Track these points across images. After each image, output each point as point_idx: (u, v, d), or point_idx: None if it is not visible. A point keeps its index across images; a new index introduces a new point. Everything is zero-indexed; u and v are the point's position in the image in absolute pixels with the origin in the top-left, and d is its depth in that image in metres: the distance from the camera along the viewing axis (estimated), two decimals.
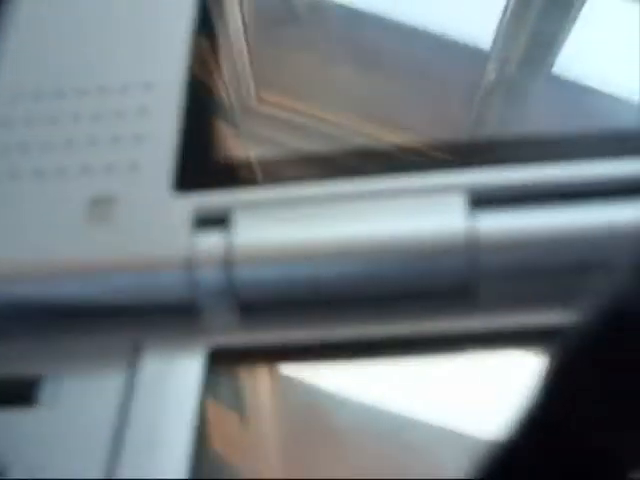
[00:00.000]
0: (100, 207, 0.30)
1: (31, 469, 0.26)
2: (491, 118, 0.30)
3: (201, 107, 0.31)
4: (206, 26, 0.34)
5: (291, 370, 0.29)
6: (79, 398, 0.28)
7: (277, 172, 0.29)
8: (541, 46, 0.34)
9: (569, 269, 0.27)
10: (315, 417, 0.28)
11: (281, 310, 0.28)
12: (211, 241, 0.28)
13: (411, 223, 0.28)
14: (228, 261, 0.28)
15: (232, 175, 0.30)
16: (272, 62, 0.34)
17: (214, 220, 0.29)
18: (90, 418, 0.27)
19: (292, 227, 0.28)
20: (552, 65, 0.33)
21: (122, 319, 0.29)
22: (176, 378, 0.28)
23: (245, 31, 0.35)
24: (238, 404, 0.28)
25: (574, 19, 0.34)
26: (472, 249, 0.27)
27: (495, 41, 0.34)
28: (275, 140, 0.30)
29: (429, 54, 0.34)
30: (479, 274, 0.27)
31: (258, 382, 0.29)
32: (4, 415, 0.28)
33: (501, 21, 0.34)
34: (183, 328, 0.29)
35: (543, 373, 0.16)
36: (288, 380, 0.29)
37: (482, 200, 0.28)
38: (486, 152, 0.29)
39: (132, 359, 0.28)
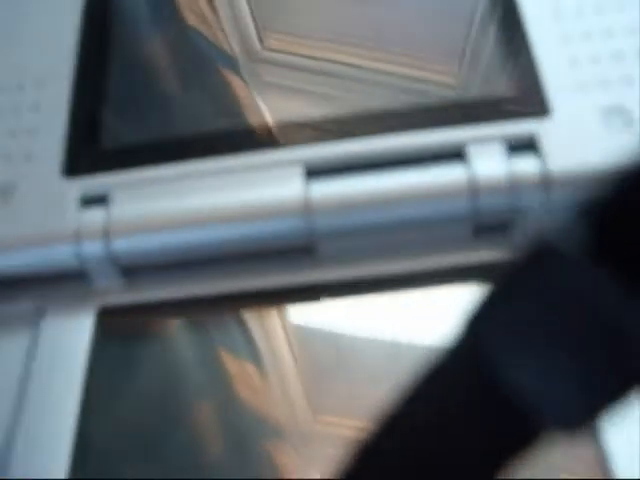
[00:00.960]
0: (1, 193, 0.34)
1: None
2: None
3: (86, 100, 0.36)
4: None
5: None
6: None
7: (148, 155, 0.34)
8: None
9: (389, 226, 0.32)
10: None
11: (157, 272, 0.33)
12: (94, 217, 0.33)
13: (259, 193, 0.33)
14: (107, 232, 0.33)
15: (112, 160, 0.34)
16: None
17: (96, 199, 0.34)
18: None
19: (161, 201, 0.33)
20: None
21: (24, 288, 0.34)
22: (71, 334, 0.33)
23: None
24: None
25: None
26: (308, 212, 0.32)
27: None
28: (144, 128, 0.35)
29: None
30: (316, 234, 0.32)
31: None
32: None
33: None
34: (76, 293, 0.34)
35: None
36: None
37: (315, 171, 0.33)
38: (318, 130, 0.33)
39: (35, 321, 0.34)
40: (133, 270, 0.34)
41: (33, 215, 0.34)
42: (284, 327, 0.32)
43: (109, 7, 0.38)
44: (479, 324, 0.16)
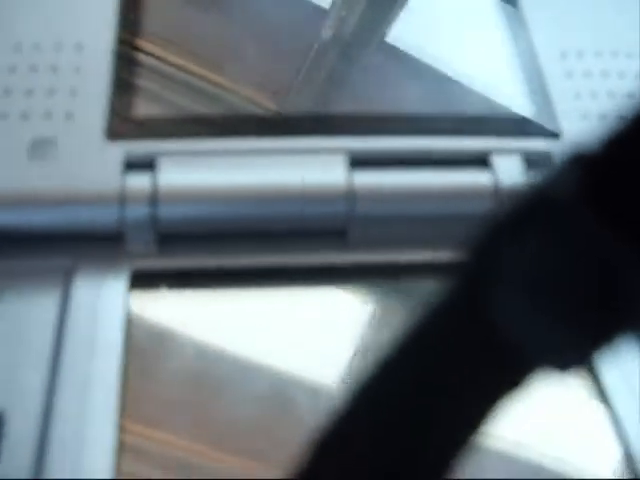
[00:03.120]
0: (40, 148, 0.33)
1: None
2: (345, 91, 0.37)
3: (129, 67, 0.36)
4: None
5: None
6: (18, 315, 0.32)
7: (195, 127, 0.35)
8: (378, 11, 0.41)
9: (424, 218, 0.34)
10: None
11: (195, 242, 0.34)
12: (139, 181, 0.33)
13: (303, 175, 0.34)
14: (154, 198, 0.33)
15: (156, 128, 0.35)
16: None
17: (142, 164, 0.34)
18: (30, 333, 0.31)
19: (208, 173, 0.34)
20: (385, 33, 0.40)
21: (58, 244, 0.33)
22: (104, 296, 0.33)
23: None
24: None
25: None
26: (348, 198, 0.34)
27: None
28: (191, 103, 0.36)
29: None
30: (352, 219, 0.34)
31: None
32: None
33: None
34: (111, 255, 0.34)
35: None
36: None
37: (358, 161, 0.34)
38: (363, 123, 0.35)
39: (66, 280, 0.33)
40: (170, 236, 0.34)
41: (74, 173, 0.33)
42: None
43: None
44: (471, 275, 0.16)
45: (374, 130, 0.35)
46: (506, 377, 0.16)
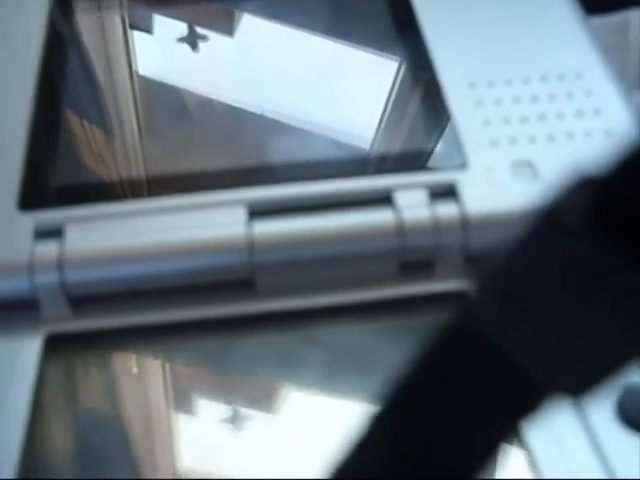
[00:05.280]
0: None
1: None
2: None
3: (43, 138, 0.37)
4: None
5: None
6: None
7: (102, 192, 0.35)
8: None
9: (324, 262, 0.34)
10: None
11: (104, 301, 0.34)
12: (48, 248, 0.34)
13: (204, 230, 0.34)
14: (60, 263, 0.33)
15: (66, 195, 0.35)
16: None
17: (51, 232, 0.34)
18: None
19: (113, 236, 0.34)
20: None
21: None
22: (18, 360, 0.33)
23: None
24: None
25: None
26: (250, 249, 0.33)
27: None
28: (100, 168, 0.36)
29: None
30: (256, 268, 0.34)
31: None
32: None
33: None
34: (25, 320, 0.34)
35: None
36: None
37: (258, 211, 0.34)
38: (261, 173, 0.35)
39: None
40: (82, 299, 0.34)
41: None
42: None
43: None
44: (479, 300, 0.16)
45: (272, 179, 0.34)
46: (519, 403, 0.15)
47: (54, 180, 0.35)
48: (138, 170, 0.35)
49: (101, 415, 0.33)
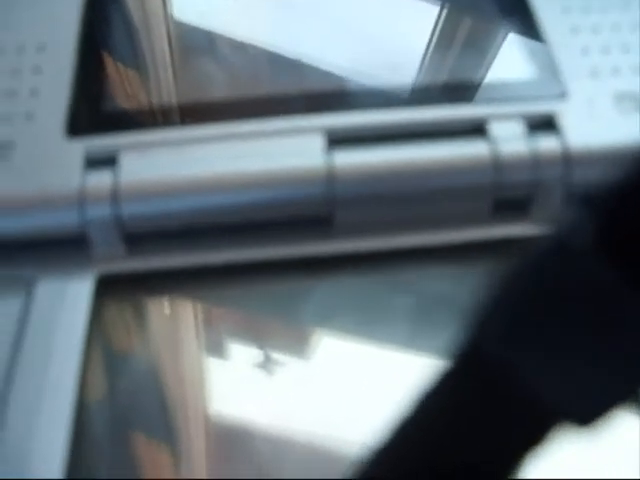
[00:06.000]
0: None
1: None
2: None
3: (90, 65, 0.33)
4: None
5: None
6: None
7: (158, 117, 0.31)
8: None
9: (410, 197, 0.30)
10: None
11: (164, 241, 0.30)
12: (100, 179, 0.30)
13: (279, 159, 0.30)
14: (115, 195, 0.29)
15: (118, 121, 0.31)
16: None
17: (103, 161, 0.30)
18: None
19: (172, 165, 0.30)
20: None
21: (20, 252, 0.30)
22: (68, 303, 0.29)
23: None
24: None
25: None
26: (329, 181, 0.30)
27: None
28: (155, 89, 0.32)
29: None
30: (336, 203, 0.30)
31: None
32: None
33: None
34: (75, 259, 0.30)
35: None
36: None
37: (338, 139, 0.30)
38: (341, 99, 0.31)
39: (28, 287, 0.30)
40: (137, 237, 0.30)
41: (33, 175, 0.30)
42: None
43: None
44: (486, 326, 0.15)
45: (354, 105, 0.30)
46: (530, 432, 0.15)
47: (105, 104, 0.31)
48: (201, 94, 0.32)
49: (149, 361, 0.29)
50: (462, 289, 0.30)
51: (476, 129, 0.30)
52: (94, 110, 0.31)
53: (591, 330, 0.14)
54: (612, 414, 0.14)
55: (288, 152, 0.29)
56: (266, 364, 0.28)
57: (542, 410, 0.15)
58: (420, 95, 0.31)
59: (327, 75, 0.32)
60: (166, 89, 0.32)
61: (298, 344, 0.29)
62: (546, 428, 0.15)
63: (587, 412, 0.14)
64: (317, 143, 0.29)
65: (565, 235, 0.14)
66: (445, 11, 0.35)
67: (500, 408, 0.15)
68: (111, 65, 0.33)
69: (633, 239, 0.14)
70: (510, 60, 0.33)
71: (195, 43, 0.34)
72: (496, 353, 0.15)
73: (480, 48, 0.33)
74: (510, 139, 0.30)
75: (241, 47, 0.33)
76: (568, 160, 0.30)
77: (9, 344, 0.28)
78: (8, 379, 0.27)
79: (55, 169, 0.30)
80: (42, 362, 0.27)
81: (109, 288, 0.29)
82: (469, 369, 0.15)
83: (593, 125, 0.30)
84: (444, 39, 0.33)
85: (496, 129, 0.30)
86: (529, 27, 0.33)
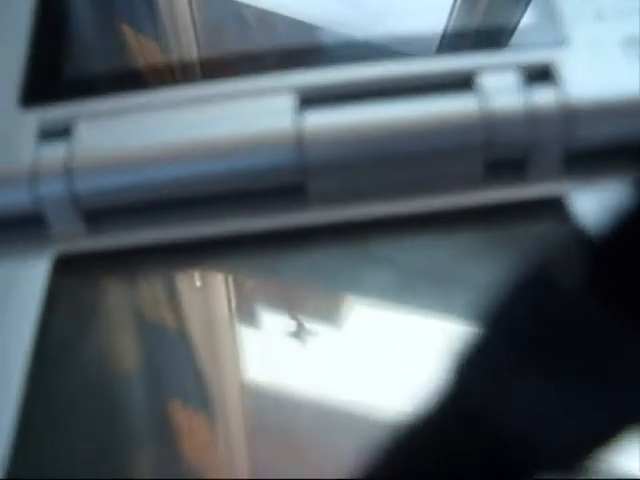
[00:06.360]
0: None
1: None
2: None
3: (45, 30, 0.30)
4: None
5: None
6: None
7: (117, 83, 0.29)
8: None
9: (390, 161, 0.27)
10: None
11: (122, 215, 0.28)
12: (53, 151, 0.27)
13: (245, 123, 0.27)
14: (69, 168, 0.27)
15: (73, 89, 0.29)
16: None
17: (58, 132, 0.27)
18: None
19: (131, 134, 0.27)
20: None
21: None
22: (23, 284, 0.27)
23: None
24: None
25: None
26: (299, 144, 0.27)
27: None
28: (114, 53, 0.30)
29: None
30: (308, 169, 0.27)
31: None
32: None
33: None
34: (32, 239, 0.28)
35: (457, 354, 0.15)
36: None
37: (310, 99, 0.27)
38: (311, 55, 0.28)
39: None
40: (95, 213, 0.28)
41: None
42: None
43: None
44: (469, 365, 0.15)
45: (326, 61, 0.27)
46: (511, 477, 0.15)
47: (62, 72, 0.29)
48: (162, 54, 0.29)
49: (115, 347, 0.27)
50: (448, 261, 0.27)
51: (464, 82, 0.27)
52: (50, 78, 0.29)
53: (577, 371, 0.14)
54: (594, 457, 0.14)
55: (255, 114, 0.27)
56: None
57: (522, 453, 0.14)
58: (402, 47, 0.28)
59: (301, 29, 0.29)
60: (125, 52, 0.29)
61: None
62: (525, 471, 0.14)
63: (570, 454, 0.14)
64: (287, 103, 0.27)
65: (554, 273, 0.14)
66: None
67: (479, 455, 0.15)
68: (68, 30, 0.30)
69: (627, 279, 0.13)
70: (505, 3, 0.29)
71: None
72: (475, 398, 0.14)
73: None
74: (502, 92, 0.26)
75: (206, 1, 0.30)
76: (568, 114, 0.26)
77: None
78: None
79: (7, 142, 0.28)
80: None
81: (68, 269, 0.27)
82: (448, 415, 0.15)
83: (597, 74, 0.27)
84: None
85: (487, 81, 0.27)
86: None
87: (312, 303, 0.27)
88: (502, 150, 0.27)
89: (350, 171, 0.27)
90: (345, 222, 0.27)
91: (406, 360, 0.24)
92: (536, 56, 0.27)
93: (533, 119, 0.26)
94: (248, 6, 0.30)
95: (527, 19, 0.29)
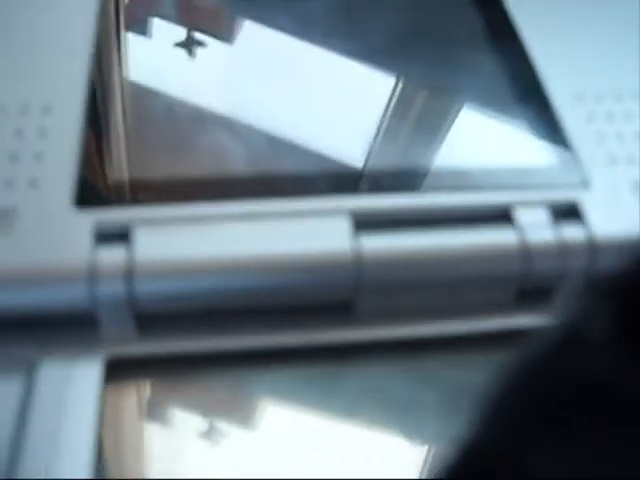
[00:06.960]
0: (1, 219, 0.28)
1: None
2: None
3: (100, 128, 0.31)
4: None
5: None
6: None
7: (175, 192, 0.30)
8: None
9: (439, 285, 0.29)
10: None
11: (179, 322, 0.28)
12: (113, 254, 0.28)
13: (303, 242, 0.28)
14: (129, 272, 0.28)
15: (130, 193, 0.29)
16: None
17: (115, 235, 0.28)
18: None
19: (190, 243, 0.28)
20: None
21: (22, 330, 0.28)
22: (74, 388, 0.27)
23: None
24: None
25: None
26: (357, 267, 0.28)
27: None
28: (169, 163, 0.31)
29: None
30: (362, 290, 0.28)
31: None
32: None
33: None
34: (82, 339, 0.28)
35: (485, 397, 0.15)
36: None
37: (365, 223, 0.29)
38: (368, 181, 0.30)
39: (30, 369, 0.27)
40: (150, 317, 0.28)
41: (38, 247, 0.27)
42: None
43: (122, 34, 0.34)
44: (496, 419, 0.14)
45: (379, 188, 0.30)
46: None
47: (115, 174, 0.29)
48: (222, 168, 0.30)
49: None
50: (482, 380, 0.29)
51: (502, 215, 0.29)
52: (103, 180, 0.29)
53: (606, 427, 0.13)
54: None
55: (312, 234, 0.28)
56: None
57: None
58: (444, 180, 0.30)
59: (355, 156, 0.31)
60: (182, 161, 0.30)
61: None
62: None
63: None
64: (344, 226, 0.28)
65: (580, 324, 0.13)
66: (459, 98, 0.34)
67: None
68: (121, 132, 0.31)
69: None
70: (529, 147, 0.32)
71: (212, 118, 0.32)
72: (505, 452, 0.14)
73: (498, 135, 0.33)
74: (537, 227, 0.29)
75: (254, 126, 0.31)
76: (594, 250, 0.29)
77: (9, 432, 0.26)
78: (10, 469, 0.25)
79: (62, 241, 0.28)
80: (49, 451, 0.25)
81: (118, 373, 0.27)
82: (474, 466, 0.14)
83: (616, 214, 0.30)
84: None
85: (522, 216, 0.29)
86: (545, 114, 0.32)
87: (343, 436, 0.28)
88: (535, 280, 0.29)
89: (397, 292, 0.28)
90: (390, 339, 0.28)
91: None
92: (563, 195, 0.30)
93: (564, 253, 0.29)
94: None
95: (552, 161, 0.32)
